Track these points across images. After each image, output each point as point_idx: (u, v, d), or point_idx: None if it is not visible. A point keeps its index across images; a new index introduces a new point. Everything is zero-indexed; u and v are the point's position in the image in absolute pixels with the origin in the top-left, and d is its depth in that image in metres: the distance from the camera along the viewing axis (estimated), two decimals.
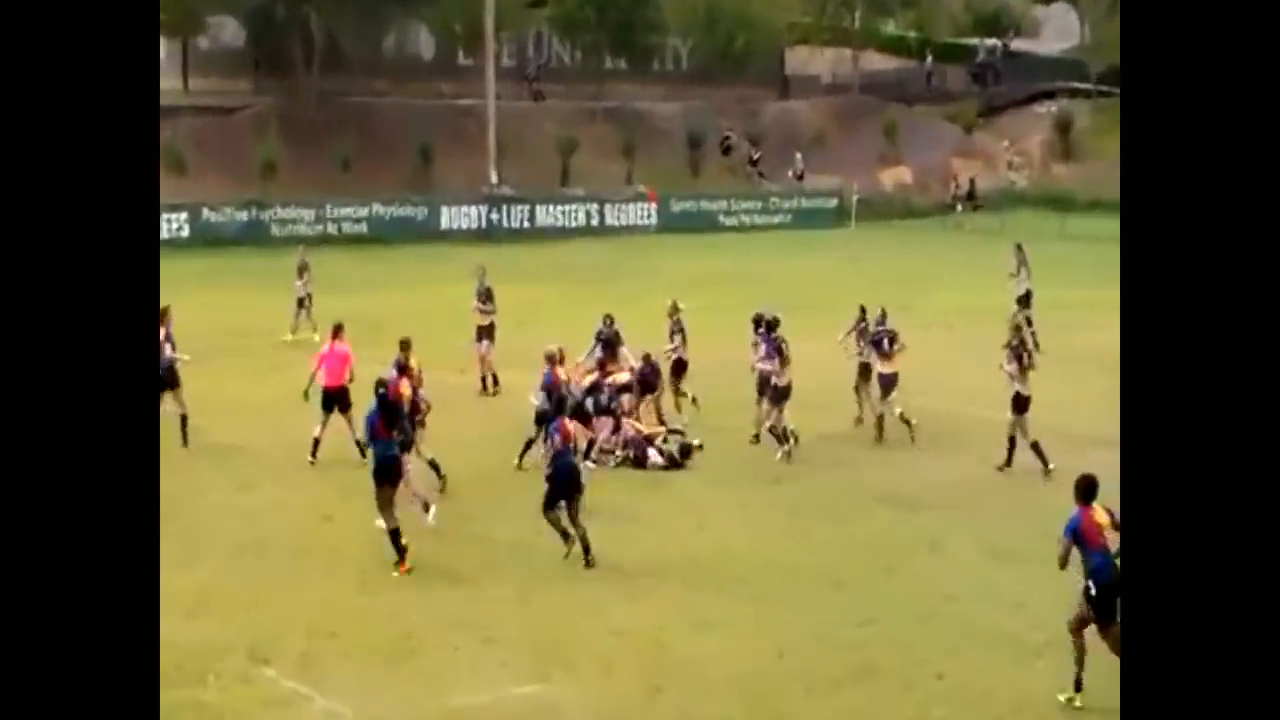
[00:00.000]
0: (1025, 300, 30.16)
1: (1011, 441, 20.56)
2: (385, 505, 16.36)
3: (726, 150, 65.53)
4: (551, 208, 56.51)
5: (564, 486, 16.64)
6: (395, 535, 16.28)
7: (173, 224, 48.84)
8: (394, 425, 16.59)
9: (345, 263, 45.40)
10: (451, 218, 54.38)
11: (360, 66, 61.26)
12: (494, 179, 57.44)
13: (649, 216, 57.27)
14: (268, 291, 34.08)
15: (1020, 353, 20.71)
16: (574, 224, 56.57)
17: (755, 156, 64.50)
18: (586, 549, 16.53)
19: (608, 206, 57.31)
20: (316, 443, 21.14)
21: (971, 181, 62.57)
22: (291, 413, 23.68)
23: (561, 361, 20.55)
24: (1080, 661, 12.68)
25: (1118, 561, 11.97)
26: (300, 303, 31.62)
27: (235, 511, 18.72)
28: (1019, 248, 31.46)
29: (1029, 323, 26.72)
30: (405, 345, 20.26)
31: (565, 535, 16.71)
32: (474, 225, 54.59)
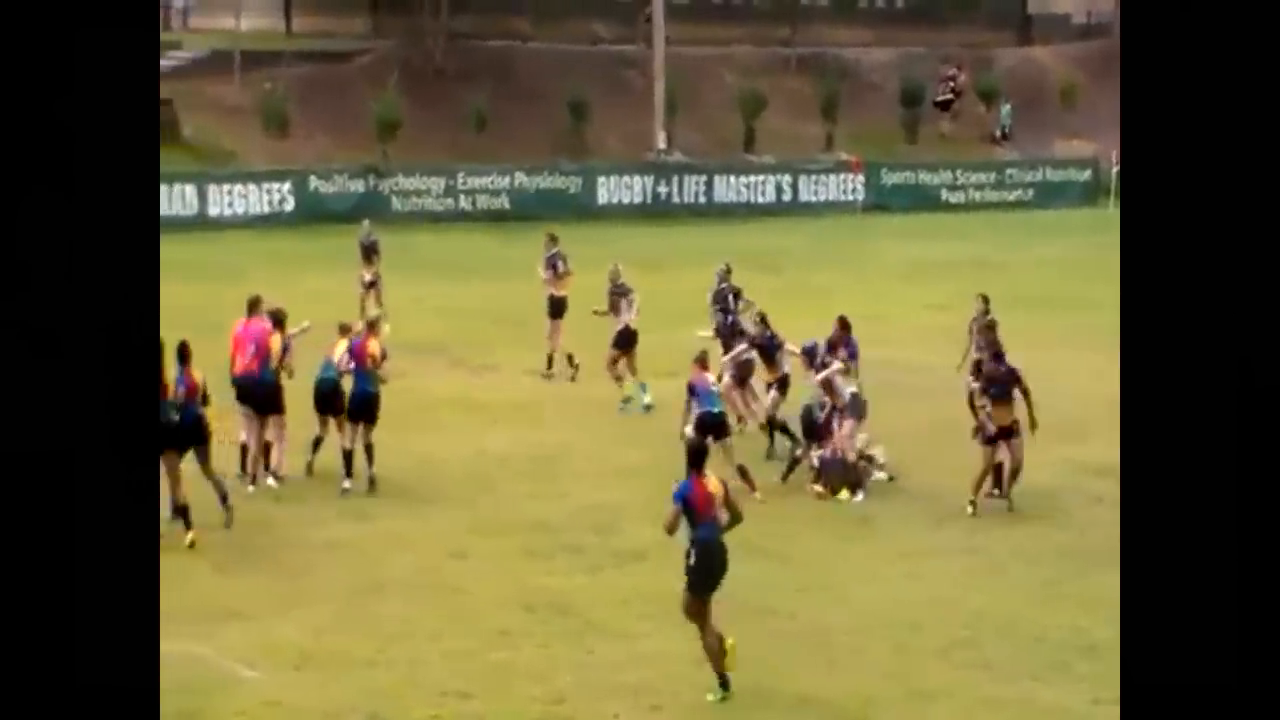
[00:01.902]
0: None
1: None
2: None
3: (946, 104, 65.08)
4: (733, 179, 56.74)
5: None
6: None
7: (273, 195, 50.03)
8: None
9: (479, 244, 46.28)
10: (610, 190, 54.88)
11: (498, 4, 62.14)
12: (662, 143, 57.87)
13: (854, 190, 57.22)
14: (389, 278, 34.74)
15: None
16: (760, 199, 56.73)
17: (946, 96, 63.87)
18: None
19: (802, 178, 57.38)
20: (244, 450, 21.77)
21: None
22: (414, 429, 24.31)
23: (704, 366, 21.47)
24: (717, 655, 14.55)
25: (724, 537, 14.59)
26: (368, 288, 32.37)
27: (350, 547, 19.26)
28: None
29: None
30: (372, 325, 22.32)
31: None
32: (638, 200, 55.03)
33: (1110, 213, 57.62)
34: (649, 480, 22.13)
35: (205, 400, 19.64)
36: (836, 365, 22.48)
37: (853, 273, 40.19)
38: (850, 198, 56.93)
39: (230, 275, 36.00)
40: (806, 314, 30.47)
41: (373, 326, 22.68)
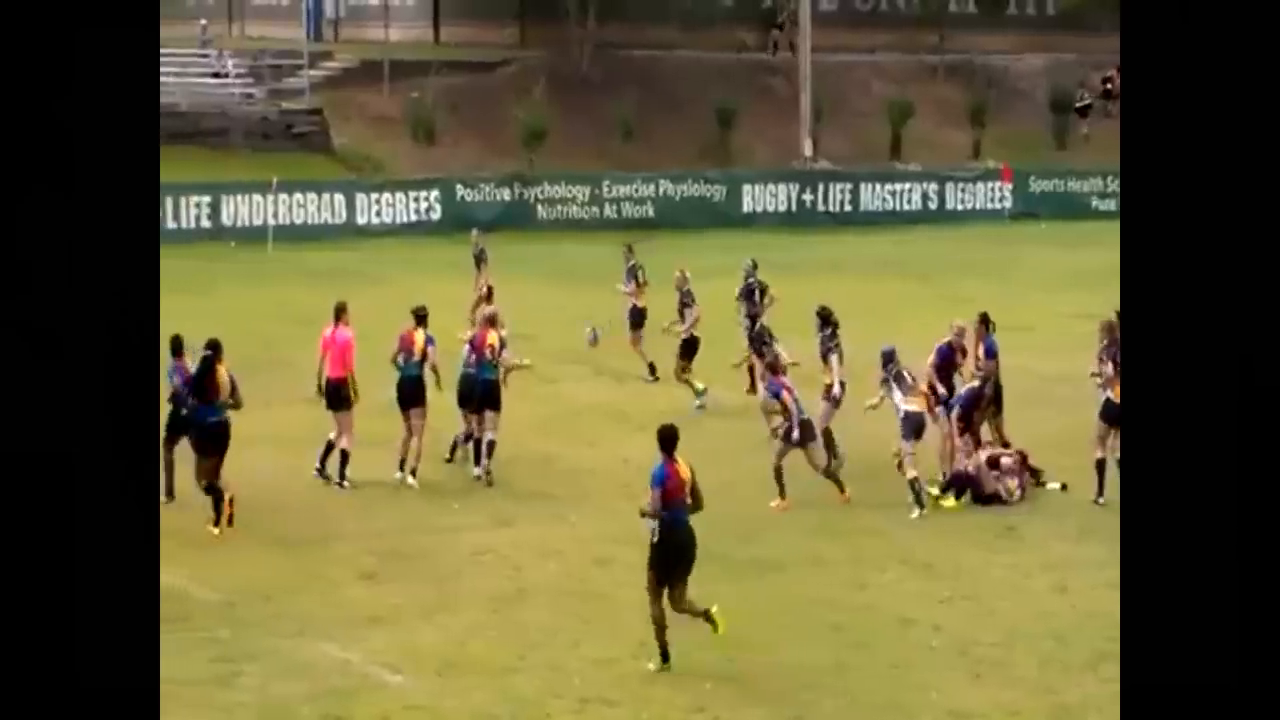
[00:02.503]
0: None
1: (1099, 464, 21.10)
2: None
3: (1085, 109, 64.28)
4: (879, 187, 56.53)
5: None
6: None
7: (420, 203, 50.54)
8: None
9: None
10: (755, 198, 54.89)
11: (645, 13, 62.31)
12: (808, 151, 57.80)
13: (1003, 199, 56.76)
14: (534, 287, 35.03)
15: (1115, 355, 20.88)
16: (907, 207, 56.49)
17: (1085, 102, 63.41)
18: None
19: (950, 185, 57.04)
20: (327, 449, 22.19)
21: None
22: (556, 435, 24.45)
23: (782, 371, 21.83)
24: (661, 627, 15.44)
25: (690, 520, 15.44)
26: (485, 297, 32.74)
27: (495, 554, 19.40)
28: None
29: None
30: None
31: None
32: (783, 207, 55.01)
33: None
34: (789, 490, 22.09)
35: (235, 402, 20.15)
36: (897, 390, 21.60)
37: (1000, 281, 39.77)
38: (998, 205, 56.48)
39: (373, 282, 36.41)
40: (943, 322, 30.28)
41: (492, 321, 23.19)
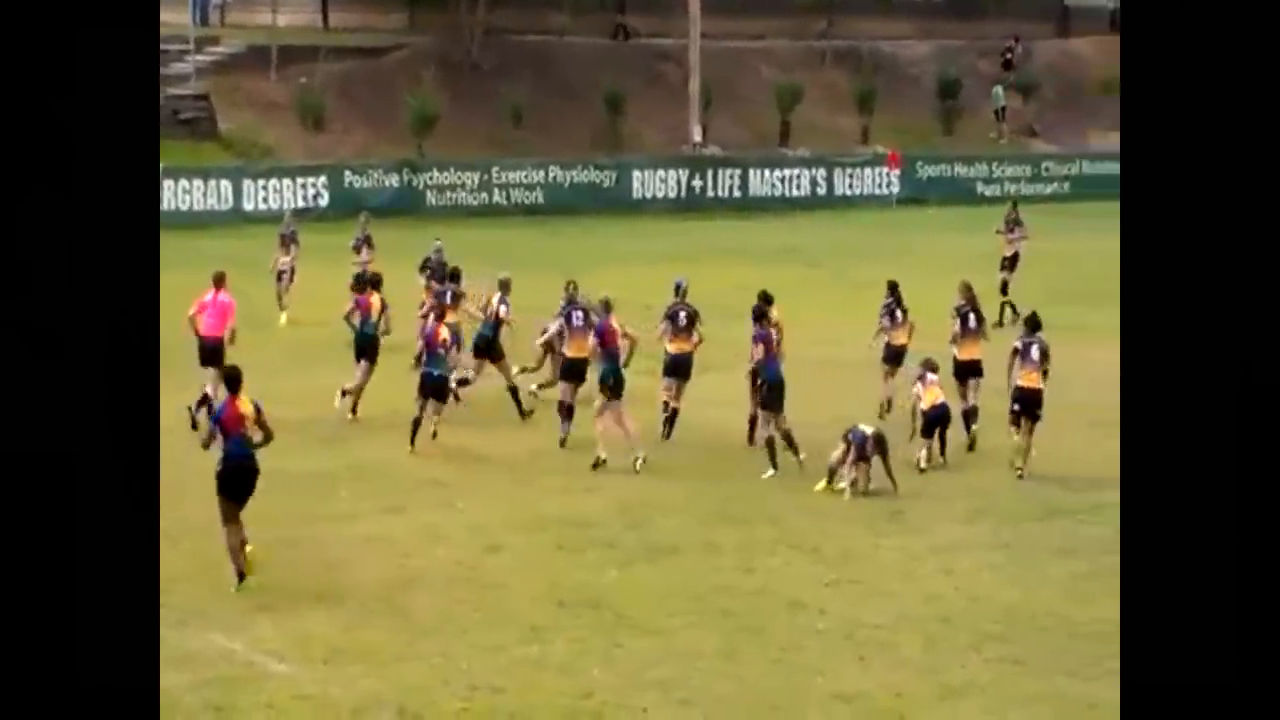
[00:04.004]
0: (1012, 263, 34.75)
1: (965, 416, 23.43)
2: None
3: (1001, 111, 64.62)
4: (768, 173, 56.68)
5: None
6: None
7: (308, 189, 50.15)
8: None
9: (514, 238, 46.25)
10: (645, 184, 54.89)
11: None
12: (697, 137, 57.84)
13: (889, 184, 57.11)
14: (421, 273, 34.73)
15: (966, 314, 24.13)
16: (796, 193, 56.67)
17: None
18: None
19: (838, 171, 57.30)
20: (203, 401, 23.04)
21: None
22: (447, 421, 24.31)
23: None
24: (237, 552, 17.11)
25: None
26: (284, 275, 33.23)
27: (384, 541, 19.27)
28: (1014, 205, 36.56)
29: (1005, 288, 33.14)
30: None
31: None
32: (673, 194, 55.03)
33: None
34: (681, 475, 22.18)
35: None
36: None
37: (890, 266, 39.86)
38: (886, 191, 56.83)
39: (263, 269, 36.03)
40: (842, 307, 30.53)
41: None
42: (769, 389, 22.13)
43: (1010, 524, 20.11)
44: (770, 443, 22.09)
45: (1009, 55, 66.31)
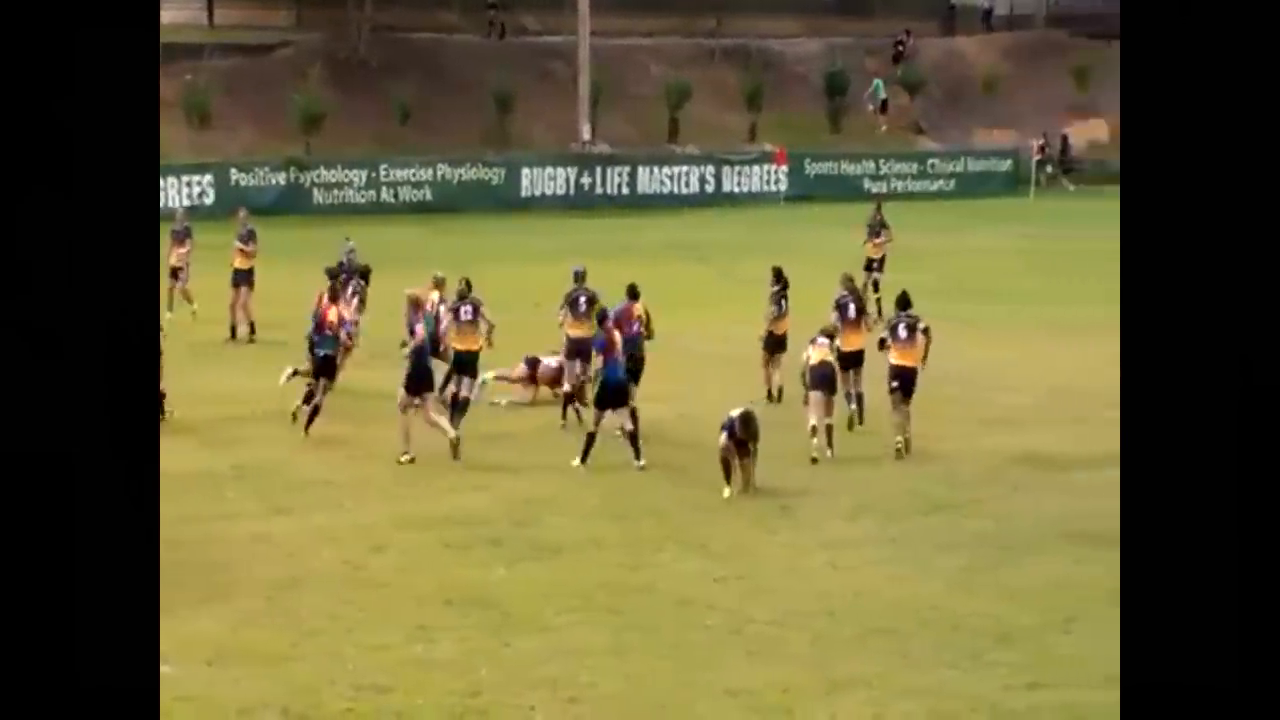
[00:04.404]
0: (880, 265, 35.11)
1: (848, 398, 24.26)
2: None
3: (884, 104, 65.07)
4: (657, 170, 56.86)
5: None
6: None
7: (194, 187, 49.78)
8: None
9: (403, 237, 46.10)
10: (534, 182, 54.91)
11: None
12: (586, 134, 57.88)
13: (777, 181, 57.38)
14: (309, 272, 34.55)
15: (845, 305, 24.90)
16: (685, 190, 56.88)
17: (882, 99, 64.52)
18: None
19: (726, 169, 57.56)
20: None
21: (1064, 139, 62.40)
22: (334, 421, 24.21)
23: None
24: None
25: None
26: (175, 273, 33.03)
27: (271, 542, 19.15)
28: (878, 207, 36.81)
29: (877, 286, 33.78)
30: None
31: None
32: (561, 191, 55.07)
33: (1030, 202, 58.07)
34: (568, 472, 22.19)
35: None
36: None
37: (778, 262, 40.17)
38: (774, 188, 57.13)
39: None
40: (731, 302, 30.67)
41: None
42: (609, 390, 22.41)
43: (895, 519, 20.26)
44: (591, 440, 22.36)
45: (901, 48, 66.93)
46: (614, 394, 22.38)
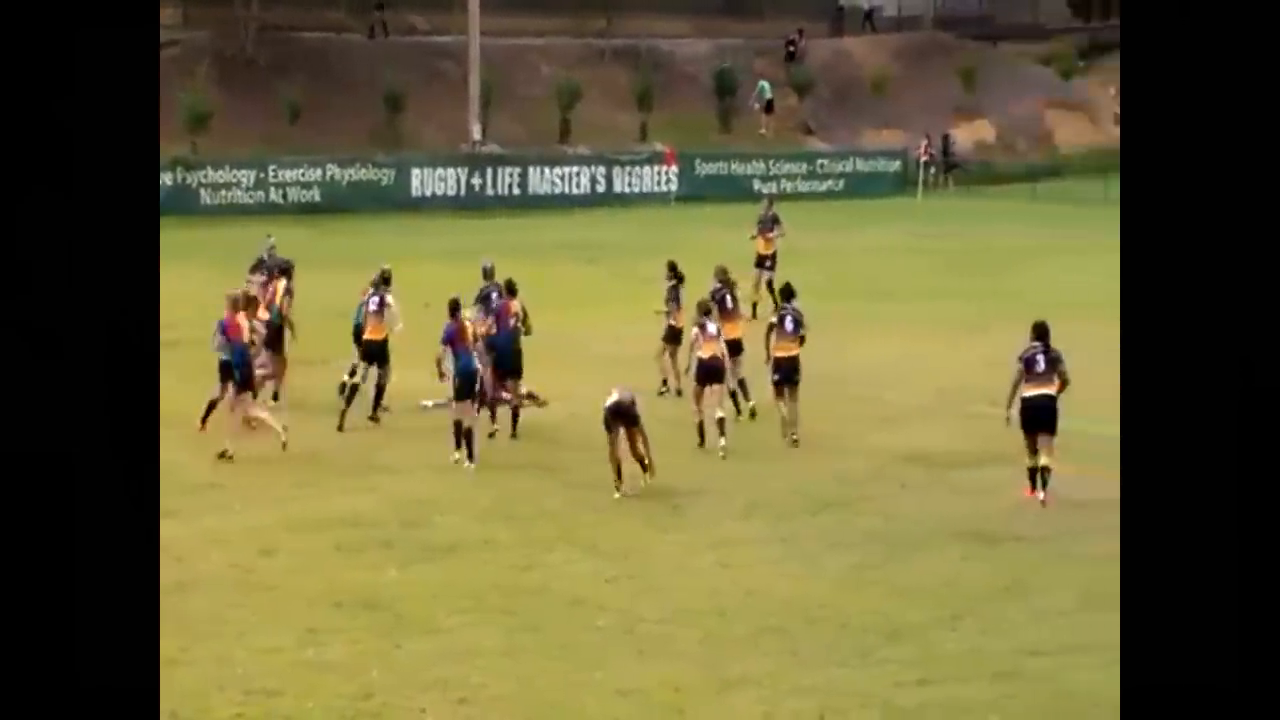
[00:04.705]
0: (771, 261, 34.99)
1: (733, 395, 24.74)
2: None
3: (769, 105, 65.45)
4: (548, 170, 56.86)
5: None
6: None
7: None
8: None
9: (292, 237, 45.70)
10: (424, 182, 54.77)
11: None
12: (477, 135, 57.75)
13: (668, 181, 57.54)
14: (194, 276, 34.38)
15: (722, 297, 25.55)
16: (576, 190, 56.92)
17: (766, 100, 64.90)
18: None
19: (617, 169, 57.64)
20: None
21: (946, 138, 63.07)
22: (223, 424, 24.05)
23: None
24: None
25: None
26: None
27: (159, 545, 18.94)
28: (770, 203, 37.04)
29: (770, 285, 33.47)
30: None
31: None
32: (452, 191, 54.96)
33: (918, 202, 58.57)
34: (459, 473, 22.17)
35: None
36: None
37: (664, 262, 40.34)
38: (665, 188, 57.28)
39: None
40: (625, 303, 30.72)
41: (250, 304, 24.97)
42: (465, 380, 22.70)
43: (786, 518, 20.38)
44: (458, 428, 22.70)
45: (792, 47, 67.31)
46: (471, 383, 22.68)
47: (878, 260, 44.04)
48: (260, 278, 28.75)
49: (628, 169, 57.66)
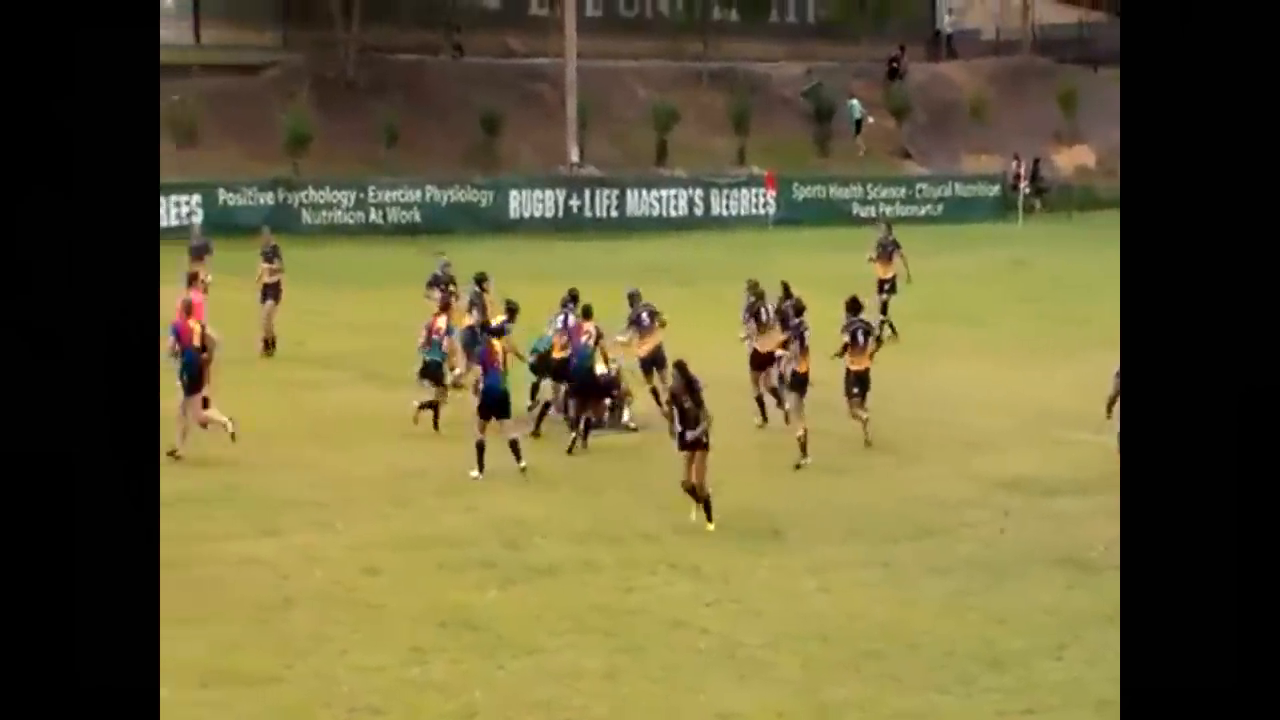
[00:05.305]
0: (891, 286, 35.18)
1: (759, 401, 26.08)
2: None
3: (859, 124, 65.39)
4: (645, 193, 56.94)
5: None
6: None
7: (182, 207, 49.79)
8: None
9: (389, 258, 46.15)
10: (522, 204, 54.97)
11: (411, 17, 62.00)
12: (574, 157, 57.97)
13: (765, 204, 57.48)
14: (299, 292, 34.63)
15: (757, 310, 26.71)
16: (673, 213, 56.96)
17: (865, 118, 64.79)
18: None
19: (714, 192, 57.65)
20: None
21: (1036, 163, 62.59)
22: (324, 442, 24.26)
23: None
24: None
25: None
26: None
27: (259, 562, 19.16)
28: (889, 227, 37.08)
29: (885, 308, 34.32)
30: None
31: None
32: (549, 213, 55.16)
33: (1019, 228, 58.22)
34: (561, 493, 22.24)
35: None
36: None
37: (765, 286, 40.30)
38: (761, 211, 57.22)
39: None
40: (717, 326, 30.69)
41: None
42: (492, 400, 23.02)
43: (885, 543, 20.30)
44: (480, 448, 22.97)
45: (895, 64, 67.19)
46: (497, 404, 23.00)
47: (972, 285, 43.83)
48: (437, 294, 29.13)
49: (725, 192, 57.66)
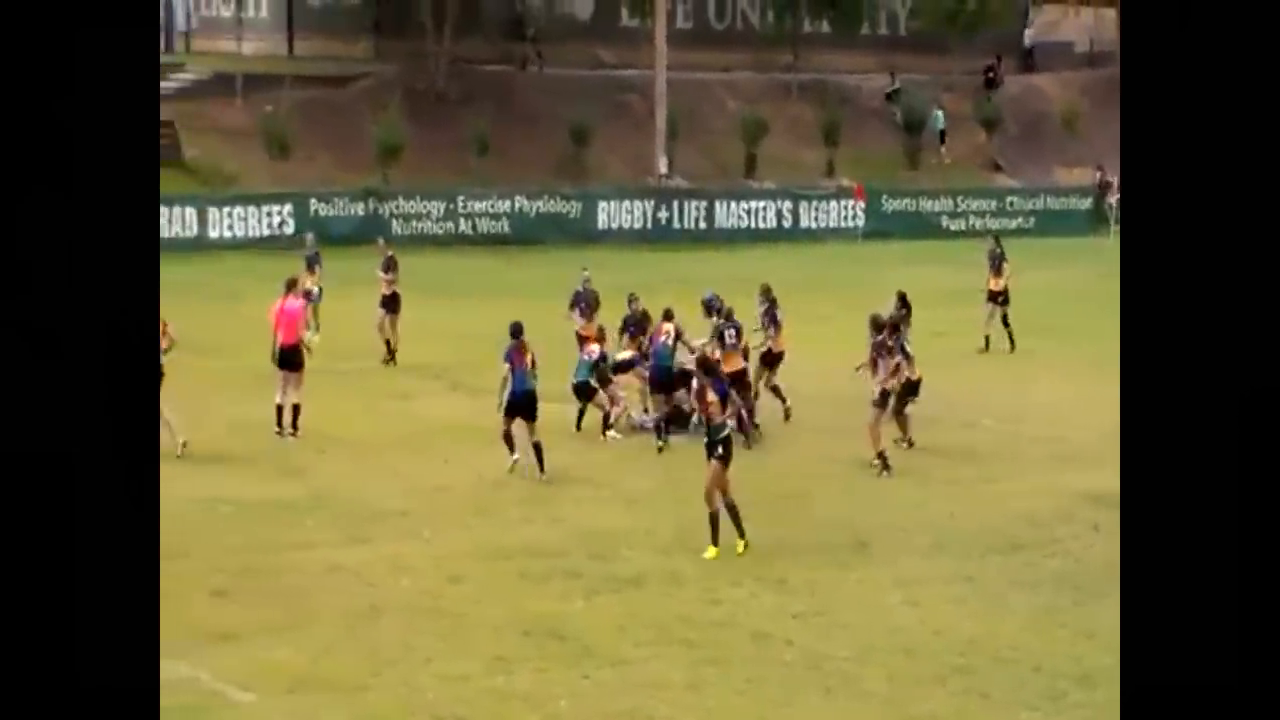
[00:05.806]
0: (1004, 297, 35.14)
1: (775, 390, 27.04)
2: None
3: (943, 134, 65.04)
4: (734, 205, 56.89)
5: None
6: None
7: (274, 217, 50.16)
8: None
9: (479, 268, 46.38)
10: (611, 215, 55.01)
11: (501, 29, 62.27)
12: (663, 168, 57.99)
13: (855, 217, 57.28)
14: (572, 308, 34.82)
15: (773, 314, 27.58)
16: (762, 225, 56.88)
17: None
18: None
19: (804, 204, 57.51)
20: (280, 410, 25.45)
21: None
22: (411, 451, 24.40)
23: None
24: None
25: None
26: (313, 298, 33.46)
27: (346, 570, 19.28)
28: (996, 240, 37.28)
29: (1005, 320, 34.66)
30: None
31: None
32: (638, 224, 55.17)
33: (1110, 242, 57.76)
34: (646, 505, 22.24)
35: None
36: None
37: (853, 299, 40.14)
38: (851, 224, 56.99)
39: (226, 297, 36.09)
40: (807, 339, 30.64)
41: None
42: (517, 399, 23.41)
43: (972, 557, 20.19)
44: (508, 438, 23.49)
45: (991, 74, 66.87)
46: (523, 405, 23.36)
47: (1061, 299, 43.51)
48: (578, 315, 29.73)
49: (814, 204, 57.50)
